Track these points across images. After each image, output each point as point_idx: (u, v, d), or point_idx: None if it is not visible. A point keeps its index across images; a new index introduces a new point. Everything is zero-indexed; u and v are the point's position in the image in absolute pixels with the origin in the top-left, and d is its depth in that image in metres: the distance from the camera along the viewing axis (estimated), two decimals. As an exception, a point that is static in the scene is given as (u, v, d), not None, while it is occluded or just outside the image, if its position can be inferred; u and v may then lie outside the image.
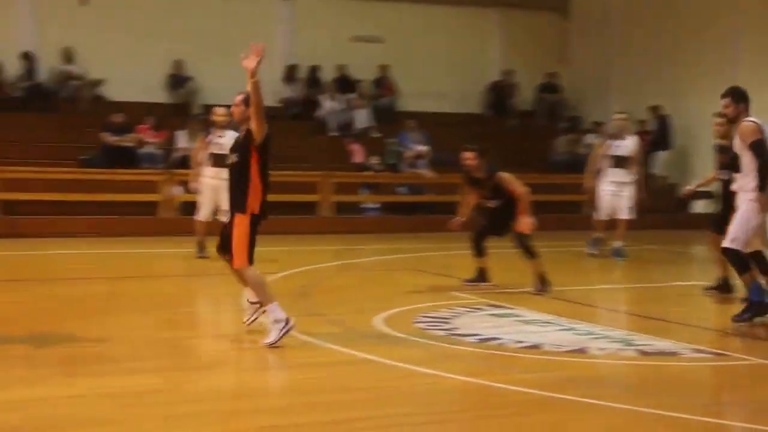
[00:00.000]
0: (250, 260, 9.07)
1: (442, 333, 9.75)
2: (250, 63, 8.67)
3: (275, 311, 8.91)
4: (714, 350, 9.26)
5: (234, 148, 9.17)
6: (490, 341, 9.44)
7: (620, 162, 16.36)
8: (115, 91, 22.68)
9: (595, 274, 14.79)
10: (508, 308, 11.22)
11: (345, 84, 24.91)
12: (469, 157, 12.48)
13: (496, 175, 12.56)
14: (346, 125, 24.26)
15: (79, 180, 19.57)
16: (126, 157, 20.51)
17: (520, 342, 9.41)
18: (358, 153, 22.57)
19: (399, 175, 22.60)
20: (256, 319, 9.59)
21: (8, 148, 20.29)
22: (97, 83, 22.71)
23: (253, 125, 8.84)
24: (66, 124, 21.61)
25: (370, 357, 8.69)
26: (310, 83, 24.83)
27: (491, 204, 12.66)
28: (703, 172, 24.10)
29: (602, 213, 16.49)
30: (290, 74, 24.54)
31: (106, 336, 9.50)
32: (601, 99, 25.89)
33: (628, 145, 16.45)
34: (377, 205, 22.61)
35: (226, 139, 14.96)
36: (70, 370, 8.04)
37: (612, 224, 16.48)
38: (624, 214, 16.31)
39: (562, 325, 10.33)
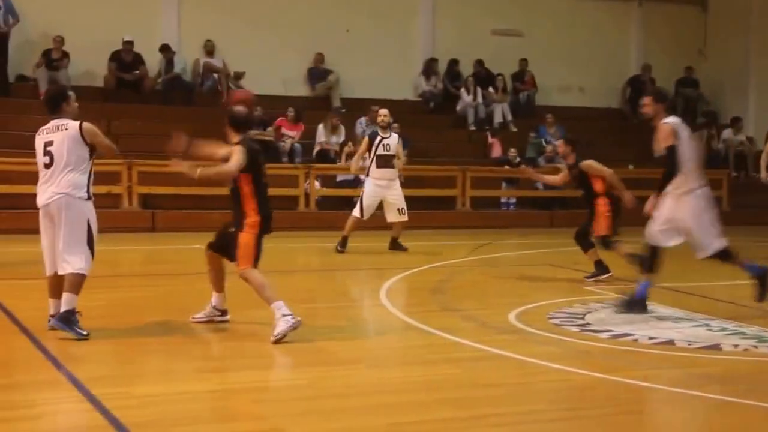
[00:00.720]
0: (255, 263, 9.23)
1: (575, 329, 9.77)
2: (179, 168, 9.18)
3: (281, 308, 8.98)
4: None
5: None
6: (623, 337, 9.43)
7: None
8: (255, 84, 23.04)
9: (732, 269, 14.49)
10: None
11: (484, 78, 24.95)
12: (559, 145, 13.18)
13: (580, 164, 12.92)
14: (485, 119, 24.31)
15: (218, 174, 19.92)
16: (266, 151, 20.80)
17: (653, 338, 9.38)
18: (496, 147, 22.61)
19: (537, 169, 22.51)
20: (202, 320, 9.73)
21: (149, 141, 20.81)
22: (238, 76, 23.08)
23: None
24: (206, 117, 22.02)
25: (504, 353, 8.74)
26: (449, 77, 24.96)
27: (580, 194, 13.25)
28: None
29: None
30: (429, 68, 24.69)
31: (244, 331, 9.69)
32: (739, 94, 25.46)
33: None
34: (514, 200, 22.62)
35: (392, 141, 15.70)
36: (206, 365, 8.21)
37: None
38: None
39: (696, 321, 10.26)
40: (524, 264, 14.63)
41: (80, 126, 8.97)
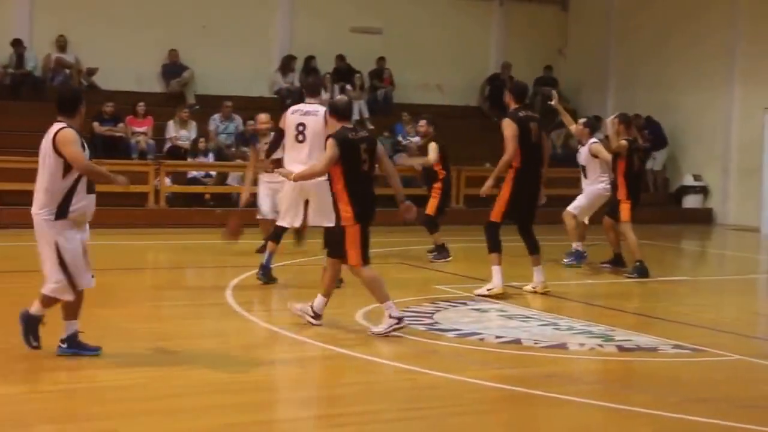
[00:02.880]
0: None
1: (422, 328, 9.67)
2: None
3: (391, 308, 9.13)
4: (693, 346, 9.19)
5: None
6: (471, 336, 9.38)
7: None
8: (109, 81, 22.53)
9: (583, 269, 14.63)
10: (491, 303, 11.12)
11: (342, 75, 24.79)
12: (421, 125, 15.19)
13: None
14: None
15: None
16: (116, 147, 20.37)
17: (500, 337, 9.35)
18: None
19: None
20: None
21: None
22: (91, 72, 22.54)
23: None
24: (57, 113, 21.45)
25: (349, 352, 8.63)
26: (306, 73, 24.70)
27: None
28: (697, 163, 24.35)
29: None
30: (287, 64, 24.41)
31: (88, 330, 9.42)
32: (598, 93, 25.78)
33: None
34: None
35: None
36: (44, 365, 7.95)
37: None
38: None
39: (544, 321, 10.26)
40: (377, 262, 14.46)
41: (54, 135, 7.93)
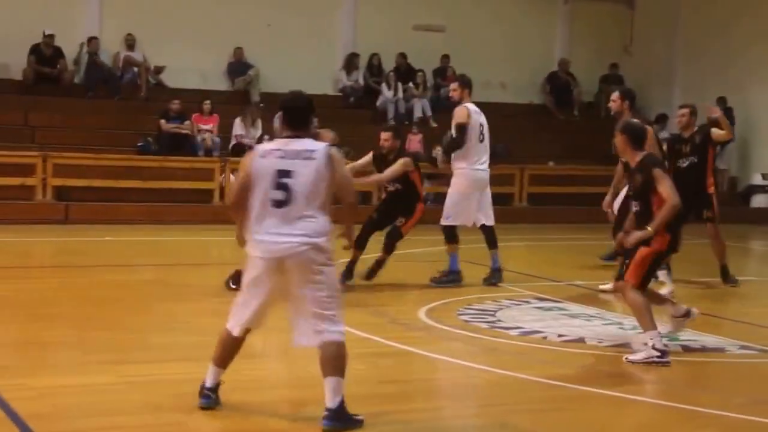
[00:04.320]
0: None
1: (485, 326, 9.68)
2: None
3: (655, 339, 8.29)
4: (761, 347, 9.10)
5: None
6: (533, 335, 9.37)
7: None
8: (175, 79, 22.78)
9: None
10: (555, 301, 11.10)
11: (405, 73, 24.82)
12: None
13: None
14: (405, 114, 24.19)
15: (134, 167, 19.68)
16: (182, 144, 20.58)
17: (563, 336, 9.32)
18: (414, 143, 22.48)
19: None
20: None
21: (69, 133, 20.48)
22: (158, 70, 22.83)
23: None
24: (126, 111, 21.74)
25: (412, 349, 8.67)
26: (370, 72, 24.79)
27: None
28: (766, 162, 24.06)
29: None
30: (350, 62, 24.51)
31: (151, 324, 9.55)
32: (664, 91, 25.52)
33: None
34: (432, 196, 22.48)
35: None
36: (112, 358, 8.06)
37: None
38: None
39: (608, 320, 10.22)
40: (438, 260, 14.45)
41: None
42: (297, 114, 6.47)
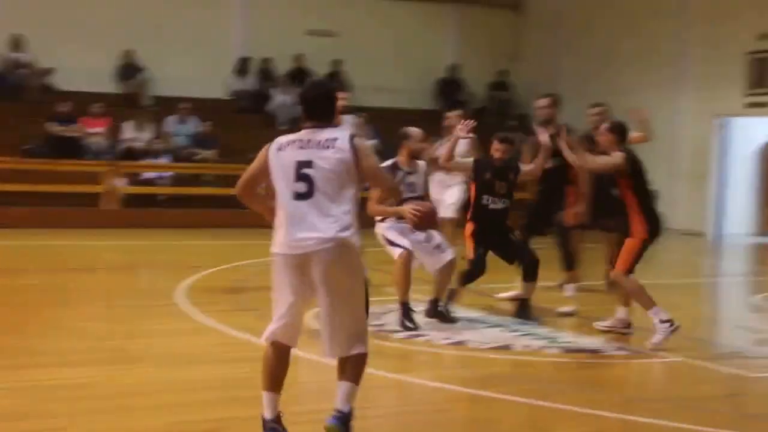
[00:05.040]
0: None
1: (370, 329, 9.71)
2: None
3: (659, 313, 9.30)
4: (636, 348, 9.37)
5: None
6: (417, 338, 9.51)
7: None
8: (64, 81, 22.48)
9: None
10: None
11: (297, 77, 24.86)
12: None
13: None
14: (297, 119, 24.20)
15: (21, 170, 19.42)
16: (71, 148, 20.35)
17: (447, 339, 9.47)
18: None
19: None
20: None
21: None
22: (46, 72, 22.49)
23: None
24: (13, 113, 21.40)
25: (298, 352, 8.68)
26: (262, 76, 24.79)
27: None
28: (647, 168, 24.49)
29: None
30: (242, 67, 24.47)
31: (39, 328, 9.47)
32: (549, 96, 25.99)
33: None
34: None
35: None
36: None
37: None
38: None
39: (490, 323, 10.40)
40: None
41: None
42: (317, 104, 6.01)
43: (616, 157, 9.33)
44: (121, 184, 19.87)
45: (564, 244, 12.07)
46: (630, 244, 9.35)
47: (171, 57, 23.52)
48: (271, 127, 23.93)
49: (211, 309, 10.63)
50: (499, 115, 26.78)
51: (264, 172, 6.05)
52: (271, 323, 6.07)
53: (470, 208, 10.68)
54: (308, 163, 5.84)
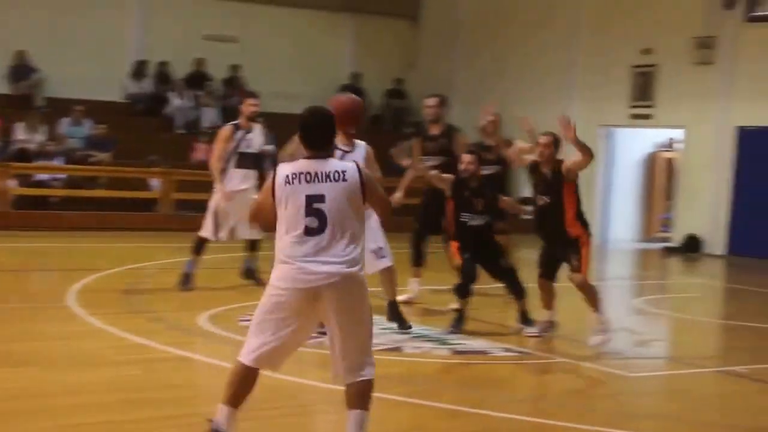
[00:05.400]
0: None
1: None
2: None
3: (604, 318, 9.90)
4: (522, 349, 9.60)
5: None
6: (311, 339, 9.55)
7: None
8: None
9: (426, 274, 14.97)
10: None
11: (195, 82, 24.77)
12: None
13: None
14: (194, 123, 24.14)
15: None
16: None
17: (339, 341, 9.56)
18: (200, 151, 22.48)
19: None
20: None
21: None
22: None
23: None
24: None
25: (190, 355, 8.75)
26: (159, 79, 24.63)
27: None
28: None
29: None
30: (139, 69, 24.28)
31: None
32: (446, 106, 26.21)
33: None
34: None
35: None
36: None
37: None
38: None
39: (382, 325, 10.52)
40: (223, 267, 14.59)
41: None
42: (321, 132, 5.89)
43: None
44: (12, 186, 19.59)
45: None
46: (585, 251, 9.90)
47: (66, 59, 23.23)
48: (168, 131, 23.86)
49: (103, 311, 10.56)
50: (394, 123, 27.02)
51: (272, 204, 5.88)
52: (253, 346, 5.99)
53: (451, 226, 10.79)
54: (320, 198, 5.76)
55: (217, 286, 12.80)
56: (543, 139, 10.00)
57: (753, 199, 19.96)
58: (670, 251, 21.03)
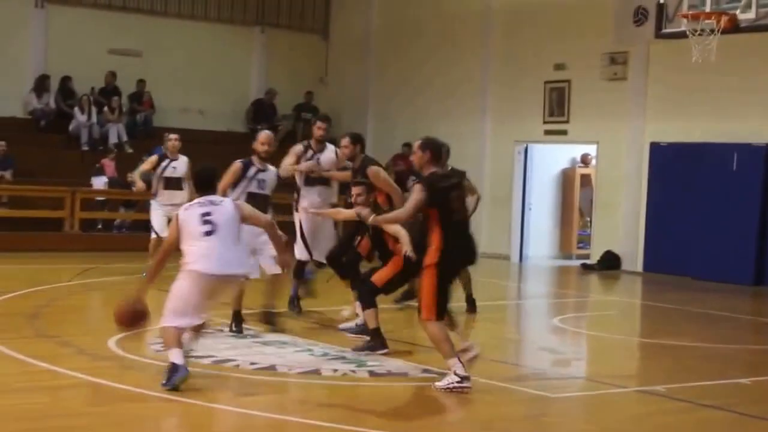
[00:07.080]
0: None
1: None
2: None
3: (456, 366, 8.65)
4: (441, 370, 9.39)
5: None
6: (225, 363, 9.35)
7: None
8: None
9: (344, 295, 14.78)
10: (248, 329, 11.08)
11: (100, 97, 24.24)
12: None
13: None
14: (100, 140, 23.64)
15: None
16: None
17: (255, 364, 9.35)
18: (109, 168, 22.04)
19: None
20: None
21: None
22: None
23: None
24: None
25: (98, 380, 8.46)
26: (62, 95, 24.06)
27: None
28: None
29: None
30: (41, 85, 23.70)
31: None
32: (357, 120, 26.07)
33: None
34: (129, 223, 22.04)
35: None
36: None
37: None
38: None
39: (300, 347, 10.32)
40: (131, 289, 14.25)
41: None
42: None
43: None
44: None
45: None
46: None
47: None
48: (73, 148, 23.33)
49: (8, 336, 10.21)
50: (305, 137, 26.73)
51: None
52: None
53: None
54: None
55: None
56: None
57: (666, 215, 19.98)
58: (587, 268, 20.95)
